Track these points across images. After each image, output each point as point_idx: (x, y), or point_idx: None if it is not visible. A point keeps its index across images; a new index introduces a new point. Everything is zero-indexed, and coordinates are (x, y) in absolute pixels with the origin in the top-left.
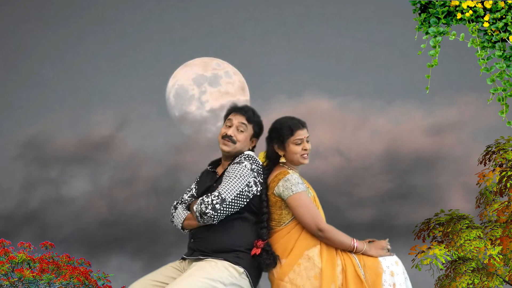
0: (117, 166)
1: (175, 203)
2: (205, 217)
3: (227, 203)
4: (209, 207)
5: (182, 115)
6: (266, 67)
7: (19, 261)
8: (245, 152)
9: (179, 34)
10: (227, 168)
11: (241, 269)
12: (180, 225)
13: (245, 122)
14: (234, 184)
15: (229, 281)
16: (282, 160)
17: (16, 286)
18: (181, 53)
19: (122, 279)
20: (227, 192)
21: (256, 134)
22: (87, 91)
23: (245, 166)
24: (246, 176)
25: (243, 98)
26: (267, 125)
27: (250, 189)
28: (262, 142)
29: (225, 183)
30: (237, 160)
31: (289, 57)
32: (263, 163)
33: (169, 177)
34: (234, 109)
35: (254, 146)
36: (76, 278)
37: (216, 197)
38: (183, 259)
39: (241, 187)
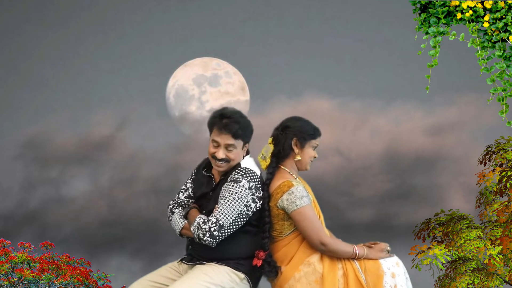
0: (117, 166)
1: (171, 206)
2: (203, 242)
3: (225, 228)
4: (207, 235)
5: (182, 115)
6: (266, 67)
7: (19, 261)
8: (242, 165)
9: (179, 34)
10: (224, 181)
11: (242, 275)
12: (178, 232)
13: (232, 141)
14: (231, 207)
15: (230, 286)
16: (298, 158)
17: (16, 286)
18: (181, 53)
19: (122, 279)
20: (224, 218)
21: (247, 140)
22: (87, 91)
23: (242, 185)
24: (244, 197)
25: (243, 98)
26: (265, 125)
27: (249, 208)
28: (256, 141)
29: (222, 207)
30: (234, 177)
31: (289, 57)
32: (265, 159)
33: (169, 177)
34: (217, 125)
35: (248, 147)
36: (76, 278)
37: (214, 224)
38: (183, 261)
39: (239, 209)
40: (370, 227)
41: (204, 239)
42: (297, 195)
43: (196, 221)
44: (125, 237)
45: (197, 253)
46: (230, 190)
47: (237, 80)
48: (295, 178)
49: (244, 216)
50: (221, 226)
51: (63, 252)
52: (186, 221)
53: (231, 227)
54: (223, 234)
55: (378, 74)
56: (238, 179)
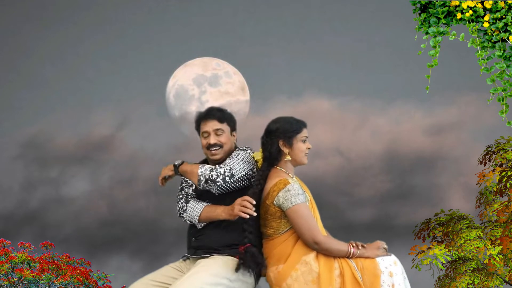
0: (117, 166)
1: (183, 198)
2: (212, 184)
3: (235, 179)
4: (220, 177)
5: (182, 115)
6: (266, 67)
7: (19, 261)
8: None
9: (179, 34)
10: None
11: None
12: (197, 218)
13: (218, 125)
14: (242, 164)
15: (234, 276)
16: (287, 158)
17: (16, 286)
18: (181, 53)
19: (122, 279)
20: (236, 169)
21: (233, 127)
22: (87, 91)
23: (248, 153)
24: (250, 161)
25: (243, 98)
26: (265, 125)
27: (251, 176)
28: (256, 141)
29: (234, 161)
30: (237, 149)
31: (289, 57)
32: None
33: None
34: (202, 117)
35: (236, 137)
36: (76, 278)
37: (228, 171)
38: (185, 258)
39: (247, 170)
40: (370, 227)
41: (217, 180)
42: (293, 193)
43: (208, 166)
44: (125, 237)
45: (201, 243)
46: (237, 154)
47: (237, 80)
48: (292, 177)
49: (248, 180)
50: (232, 175)
51: (63, 252)
52: (205, 205)
53: (239, 181)
54: (232, 184)
55: (378, 74)
56: (242, 148)
